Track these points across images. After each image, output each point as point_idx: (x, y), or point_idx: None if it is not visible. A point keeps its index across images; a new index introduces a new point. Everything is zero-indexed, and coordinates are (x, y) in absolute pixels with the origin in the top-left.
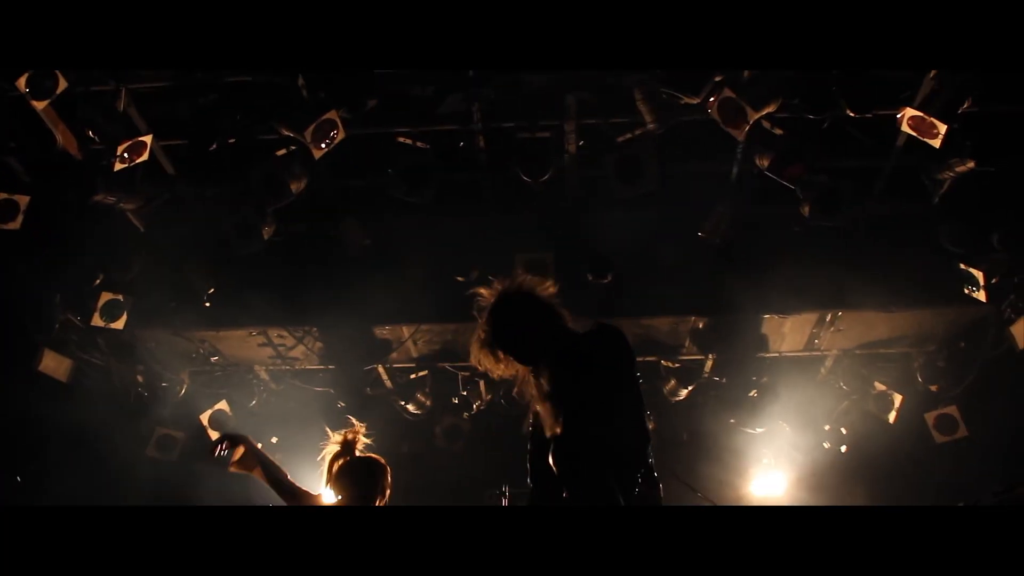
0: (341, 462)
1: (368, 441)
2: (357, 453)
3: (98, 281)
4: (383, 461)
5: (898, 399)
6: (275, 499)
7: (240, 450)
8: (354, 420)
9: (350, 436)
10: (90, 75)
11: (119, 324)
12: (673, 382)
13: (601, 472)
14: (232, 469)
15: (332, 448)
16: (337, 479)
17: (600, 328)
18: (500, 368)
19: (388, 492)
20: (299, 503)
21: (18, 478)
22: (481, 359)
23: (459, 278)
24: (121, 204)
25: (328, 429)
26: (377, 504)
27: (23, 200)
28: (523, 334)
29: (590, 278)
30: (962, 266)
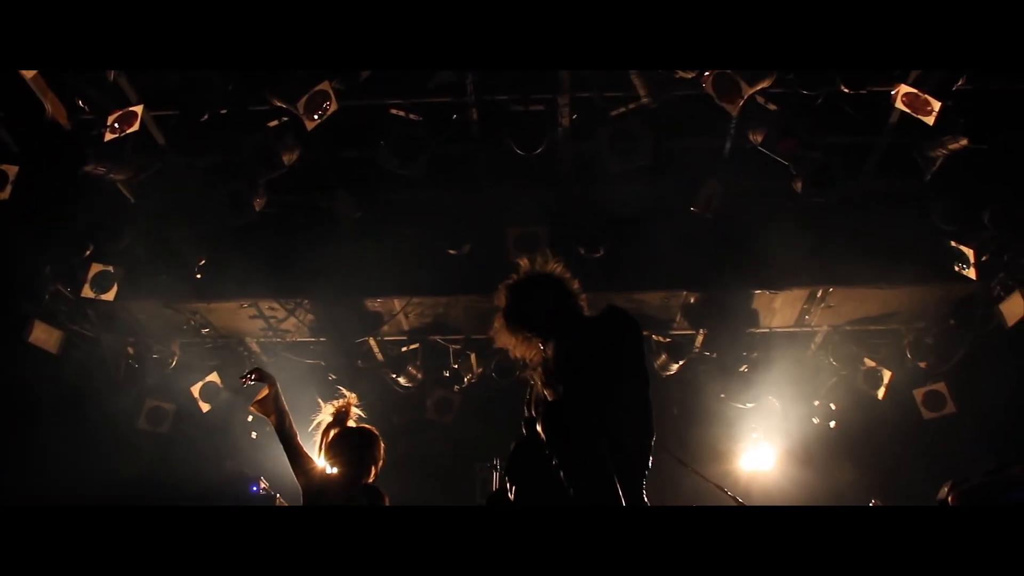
0: (334, 432)
1: (360, 412)
2: (350, 423)
3: (88, 252)
4: (375, 431)
5: (887, 375)
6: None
7: (265, 391)
8: (345, 391)
9: (343, 406)
10: None
11: (109, 295)
12: (664, 356)
13: (592, 440)
14: (252, 409)
15: (325, 418)
16: (330, 448)
17: (611, 311)
18: (515, 345)
19: (380, 462)
20: (299, 463)
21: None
22: (499, 335)
23: (451, 251)
24: (111, 175)
25: (320, 400)
26: (371, 473)
27: (12, 170)
28: (536, 310)
29: (582, 252)
30: (953, 244)
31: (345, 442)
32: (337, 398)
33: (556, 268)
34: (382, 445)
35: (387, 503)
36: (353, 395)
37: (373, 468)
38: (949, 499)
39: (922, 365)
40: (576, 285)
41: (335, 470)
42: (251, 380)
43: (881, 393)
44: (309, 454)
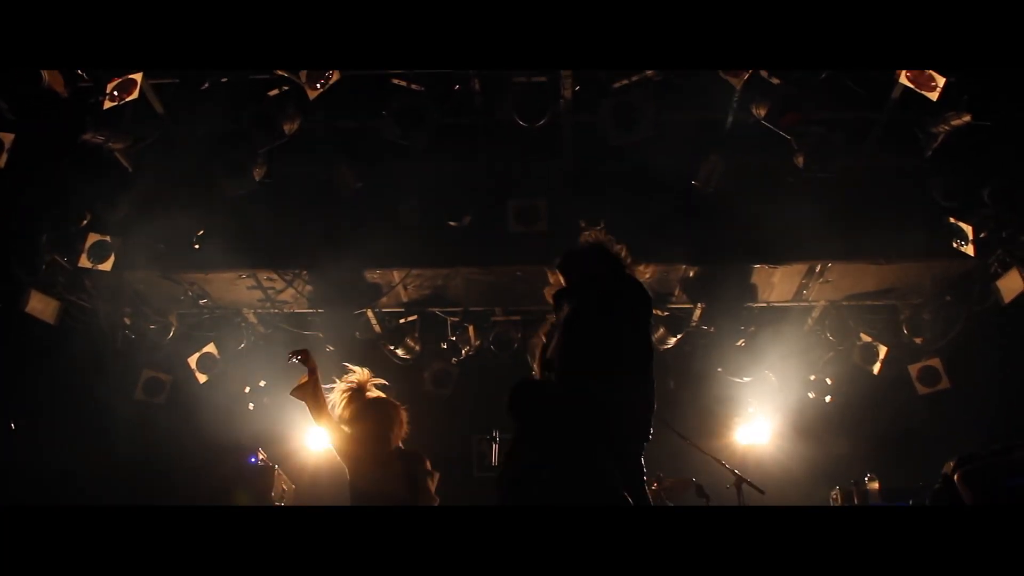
0: (355, 405)
1: (382, 381)
2: (369, 395)
3: (85, 222)
4: (394, 401)
5: (883, 350)
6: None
7: (305, 378)
8: (355, 368)
9: (360, 381)
10: None
11: (106, 265)
12: (662, 330)
13: (584, 383)
14: (292, 393)
15: (339, 394)
16: (352, 420)
17: (629, 282)
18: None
19: (403, 427)
20: (340, 449)
21: (12, 425)
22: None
23: (451, 223)
24: (109, 143)
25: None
26: (396, 438)
27: (8, 138)
28: (580, 265)
29: (583, 225)
30: (952, 220)
31: (367, 412)
32: (343, 372)
33: (598, 236)
34: (403, 413)
35: (428, 466)
36: (366, 370)
37: (396, 433)
38: (955, 477)
39: (918, 341)
40: (619, 252)
41: (362, 443)
42: (296, 360)
43: (876, 368)
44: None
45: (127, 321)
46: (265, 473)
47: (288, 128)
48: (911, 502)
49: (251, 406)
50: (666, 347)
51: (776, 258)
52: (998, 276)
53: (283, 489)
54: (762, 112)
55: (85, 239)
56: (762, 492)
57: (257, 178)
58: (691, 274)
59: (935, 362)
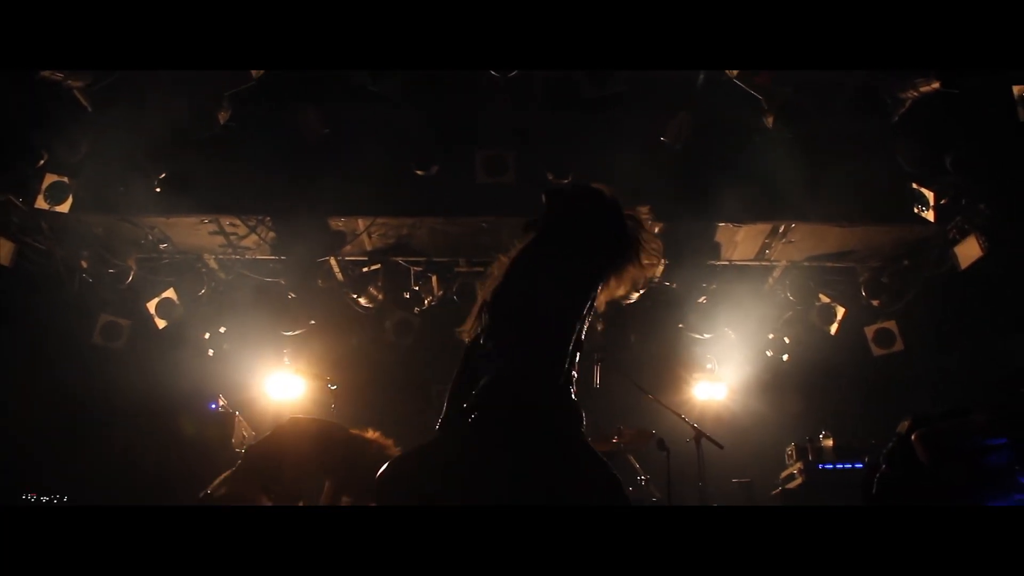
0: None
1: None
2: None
3: (42, 162)
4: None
5: (840, 312)
6: None
7: None
8: None
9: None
10: None
11: (64, 207)
12: None
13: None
14: None
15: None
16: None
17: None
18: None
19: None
20: None
21: None
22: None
23: (418, 172)
24: (68, 81)
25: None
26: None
27: None
28: (570, 206)
29: (550, 177)
30: (914, 186)
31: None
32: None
33: (613, 195)
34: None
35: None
36: None
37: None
38: (913, 436)
39: (875, 303)
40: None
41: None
42: None
43: (834, 329)
44: None
45: (84, 264)
46: (225, 420)
47: (255, 71)
48: (866, 459)
49: (211, 352)
50: (628, 302)
51: (741, 217)
52: (956, 242)
53: (243, 436)
54: (734, 71)
55: (42, 179)
56: (721, 447)
57: (222, 121)
58: (656, 230)
59: (891, 324)
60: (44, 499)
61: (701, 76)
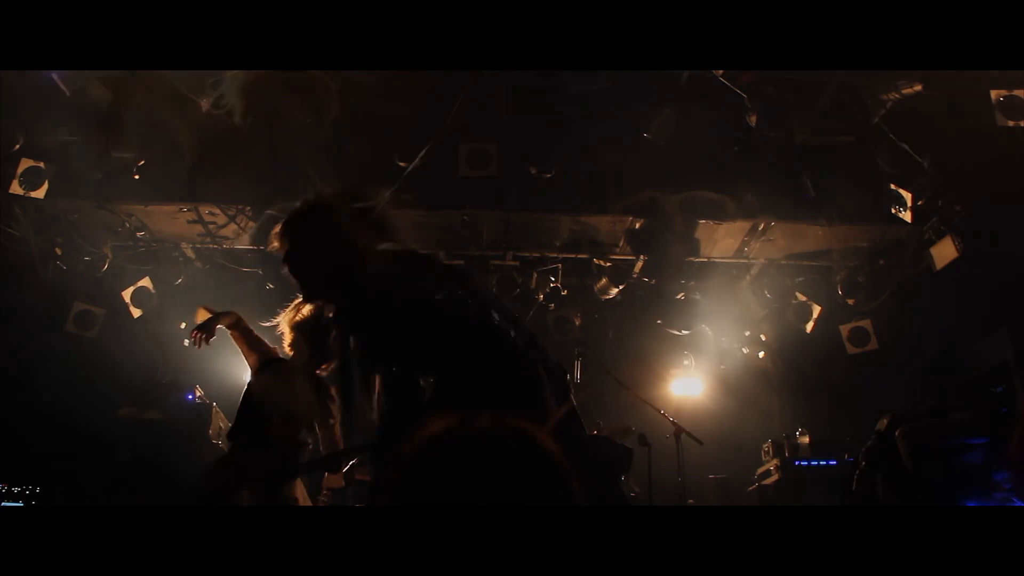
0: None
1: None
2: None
3: (18, 146)
4: None
5: (816, 310)
6: None
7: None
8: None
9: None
10: None
11: (39, 193)
12: (604, 280)
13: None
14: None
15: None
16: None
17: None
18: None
19: None
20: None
21: None
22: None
23: (401, 163)
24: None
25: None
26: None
27: None
28: (310, 260)
29: (533, 172)
30: (892, 187)
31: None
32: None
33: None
34: None
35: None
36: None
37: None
38: (896, 433)
39: (850, 302)
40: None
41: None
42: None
43: (809, 327)
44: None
45: (58, 251)
46: (202, 411)
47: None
48: (846, 456)
49: (187, 342)
50: (608, 297)
51: (721, 214)
52: (932, 243)
53: (220, 427)
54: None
55: (17, 164)
56: (700, 443)
57: (204, 109)
58: (636, 226)
59: (866, 323)
60: (15, 489)
61: (685, 73)
